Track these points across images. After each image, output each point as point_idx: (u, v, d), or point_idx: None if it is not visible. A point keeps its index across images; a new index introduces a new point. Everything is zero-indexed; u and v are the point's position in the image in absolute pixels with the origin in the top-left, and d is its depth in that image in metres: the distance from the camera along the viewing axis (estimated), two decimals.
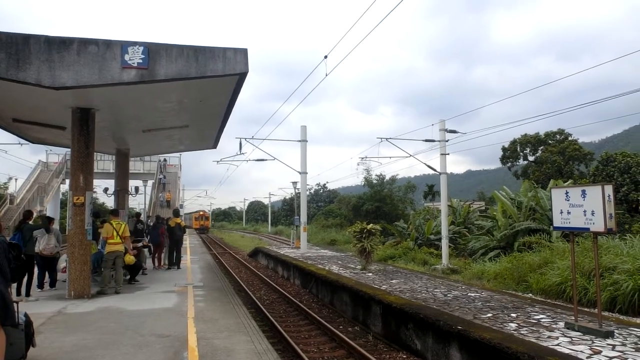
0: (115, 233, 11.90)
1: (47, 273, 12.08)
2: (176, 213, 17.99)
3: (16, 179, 45.75)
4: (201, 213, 74.07)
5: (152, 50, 9.26)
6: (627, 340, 7.27)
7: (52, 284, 12.13)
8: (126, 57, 9.15)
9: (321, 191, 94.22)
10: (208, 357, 6.52)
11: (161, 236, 17.23)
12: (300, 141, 25.91)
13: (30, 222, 11.80)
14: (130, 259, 12.41)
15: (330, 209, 70.97)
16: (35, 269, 11.78)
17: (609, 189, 7.30)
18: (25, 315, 6.02)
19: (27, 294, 11.08)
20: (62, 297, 10.93)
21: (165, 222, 17.63)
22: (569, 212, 7.82)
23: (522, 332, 7.75)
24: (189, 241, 34.16)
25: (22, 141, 20.50)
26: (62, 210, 45.36)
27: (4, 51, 8.60)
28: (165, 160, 48.68)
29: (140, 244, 15.60)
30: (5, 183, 48.27)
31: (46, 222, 11.94)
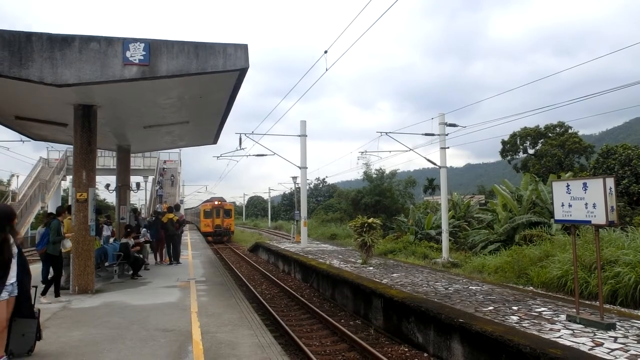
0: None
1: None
2: (170, 209, 18.00)
3: (18, 176, 45.75)
4: (217, 203, 41.55)
5: (153, 47, 9.28)
6: (629, 332, 7.33)
7: None
8: (128, 54, 9.18)
9: (320, 186, 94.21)
10: (212, 350, 6.58)
11: (162, 231, 17.28)
12: (299, 136, 25.94)
13: (59, 219, 11.19)
14: None
15: (330, 203, 70.94)
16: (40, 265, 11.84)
17: (610, 182, 7.32)
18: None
19: (57, 294, 10.64)
20: (66, 292, 10.98)
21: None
22: (570, 205, 7.86)
23: (523, 324, 7.82)
24: (190, 236, 34.20)
25: (24, 138, 20.49)
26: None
27: (6, 49, 8.63)
28: (161, 176, 48.31)
29: (142, 239, 15.67)
30: (7, 180, 48.33)
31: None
